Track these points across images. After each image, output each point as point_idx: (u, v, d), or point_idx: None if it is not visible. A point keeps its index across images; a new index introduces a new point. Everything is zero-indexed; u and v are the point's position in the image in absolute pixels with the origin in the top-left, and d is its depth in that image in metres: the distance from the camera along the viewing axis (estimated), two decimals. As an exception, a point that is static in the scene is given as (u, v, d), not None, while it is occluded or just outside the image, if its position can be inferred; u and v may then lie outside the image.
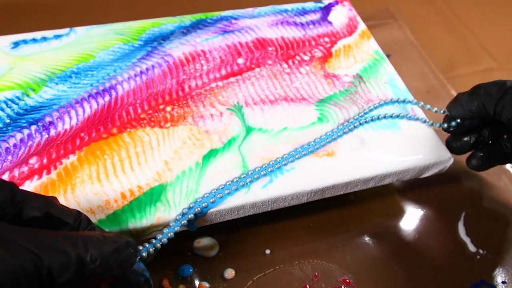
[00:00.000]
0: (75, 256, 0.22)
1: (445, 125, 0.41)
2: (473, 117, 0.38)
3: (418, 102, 0.44)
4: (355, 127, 0.42)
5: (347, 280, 0.40)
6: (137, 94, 0.44)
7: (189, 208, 0.35)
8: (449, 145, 0.41)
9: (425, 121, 0.43)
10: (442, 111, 0.42)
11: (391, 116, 0.43)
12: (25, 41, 0.48)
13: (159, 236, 0.33)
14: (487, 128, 0.40)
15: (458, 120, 0.40)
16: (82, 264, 0.23)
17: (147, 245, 0.32)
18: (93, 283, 0.24)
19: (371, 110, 0.44)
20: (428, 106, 0.43)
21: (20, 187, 0.35)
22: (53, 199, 0.27)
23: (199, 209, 0.35)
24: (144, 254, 0.31)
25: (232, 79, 0.46)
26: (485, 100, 0.35)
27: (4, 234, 0.21)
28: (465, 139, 0.40)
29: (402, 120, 0.43)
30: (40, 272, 0.21)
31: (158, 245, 0.33)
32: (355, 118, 0.43)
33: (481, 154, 0.40)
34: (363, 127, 0.42)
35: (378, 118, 0.43)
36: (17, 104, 0.42)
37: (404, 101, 0.45)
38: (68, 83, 0.44)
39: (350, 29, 0.53)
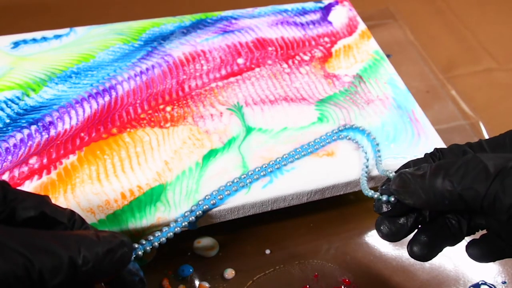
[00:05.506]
0: (67, 259, 0.22)
1: (380, 198, 0.30)
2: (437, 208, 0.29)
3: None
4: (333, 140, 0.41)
5: (347, 280, 0.40)
6: (137, 94, 0.44)
7: (191, 211, 0.35)
8: (379, 229, 0.31)
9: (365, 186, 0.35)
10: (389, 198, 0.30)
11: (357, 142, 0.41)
12: (25, 41, 0.48)
13: (157, 234, 0.33)
14: None
15: (393, 198, 0.29)
16: (74, 266, 0.22)
17: (144, 242, 0.32)
18: (86, 284, 0.24)
19: (350, 129, 0.42)
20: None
21: (20, 187, 0.36)
22: (46, 198, 0.27)
23: (200, 212, 0.35)
24: (140, 252, 0.31)
25: (232, 79, 0.46)
26: (466, 192, 0.25)
27: None
28: (401, 221, 0.30)
29: (403, 121, 0.43)
30: (31, 276, 0.21)
31: (156, 243, 0.33)
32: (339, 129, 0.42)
33: (426, 239, 0.30)
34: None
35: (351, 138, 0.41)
36: (17, 104, 0.42)
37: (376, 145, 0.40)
38: (68, 83, 0.44)
39: (350, 29, 0.53)
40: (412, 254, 0.30)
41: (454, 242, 0.30)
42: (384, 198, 0.30)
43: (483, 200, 0.25)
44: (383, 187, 0.31)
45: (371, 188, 0.33)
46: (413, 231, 0.31)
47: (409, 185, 0.27)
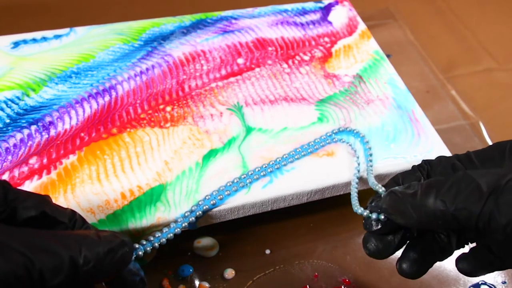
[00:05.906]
0: (68, 259, 0.22)
1: (369, 216, 0.30)
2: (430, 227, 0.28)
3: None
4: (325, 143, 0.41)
5: (347, 280, 0.40)
6: (137, 94, 0.44)
7: (191, 211, 0.35)
8: (366, 246, 0.30)
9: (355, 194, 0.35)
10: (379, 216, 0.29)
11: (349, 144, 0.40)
12: (25, 41, 0.48)
13: (158, 235, 0.33)
14: None
15: (383, 217, 0.29)
16: (75, 266, 0.22)
17: (144, 243, 0.32)
18: (87, 283, 0.24)
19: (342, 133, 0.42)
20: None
21: (20, 187, 0.36)
22: (47, 198, 0.27)
23: (200, 212, 0.35)
24: (140, 253, 0.31)
25: (232, 79, 0.46)
26: (459, 213, 0.24)
27: None
28: (389, 238, 0.30)
29: (403, 121, 0.43)
30: (32, 276, 0.21)
31: (156, 244, 0.33)
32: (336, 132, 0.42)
33: (415, 255, 0.29)
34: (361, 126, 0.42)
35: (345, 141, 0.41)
36: (17, 104, 0.42)
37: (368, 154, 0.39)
38: (68, 83, 0.44)
39: (350, 29, 0.53)
40: (401, 271, 0.30)
41: (443, 256, 0.30)
42: (374, 216, 0.29)
43: (478, 220, 0.24)
44: (372, 204, 0.30)
45: (363, 191, 0.33)
46: (401, 248, 0.30)
47: (399, 205, 0.27)
